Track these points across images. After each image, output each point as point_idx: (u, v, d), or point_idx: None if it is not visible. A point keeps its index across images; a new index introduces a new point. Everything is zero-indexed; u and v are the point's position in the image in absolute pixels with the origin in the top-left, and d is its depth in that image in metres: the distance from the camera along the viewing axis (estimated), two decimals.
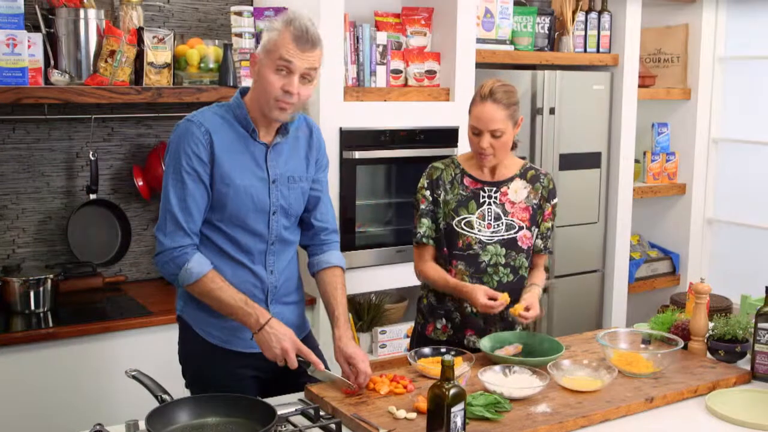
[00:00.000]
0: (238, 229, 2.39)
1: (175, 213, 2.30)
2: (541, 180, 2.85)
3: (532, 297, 2.72)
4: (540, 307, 2.73)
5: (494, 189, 2.81)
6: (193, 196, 2.31)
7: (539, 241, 2.85)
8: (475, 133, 2.71)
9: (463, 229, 2.77)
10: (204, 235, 2.38)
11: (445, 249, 2.80)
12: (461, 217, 2.78)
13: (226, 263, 2.40)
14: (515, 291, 2.79)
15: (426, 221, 2.80)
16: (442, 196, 2.79)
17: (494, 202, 2.80)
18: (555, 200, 2.88)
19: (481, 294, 2.64)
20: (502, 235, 2.77)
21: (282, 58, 2.27)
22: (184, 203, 2.31)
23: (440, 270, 2.79)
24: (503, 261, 2.77)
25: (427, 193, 2.81)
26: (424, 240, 2.80)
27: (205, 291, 2.33)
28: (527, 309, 2.66)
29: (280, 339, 2.29)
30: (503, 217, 2.79)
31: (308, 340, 2.59)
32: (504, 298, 2.65)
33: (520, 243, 2.79)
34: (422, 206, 2.81)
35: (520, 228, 2.79)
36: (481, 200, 2.79)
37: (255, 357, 2.42)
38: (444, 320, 2.83)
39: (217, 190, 2.34)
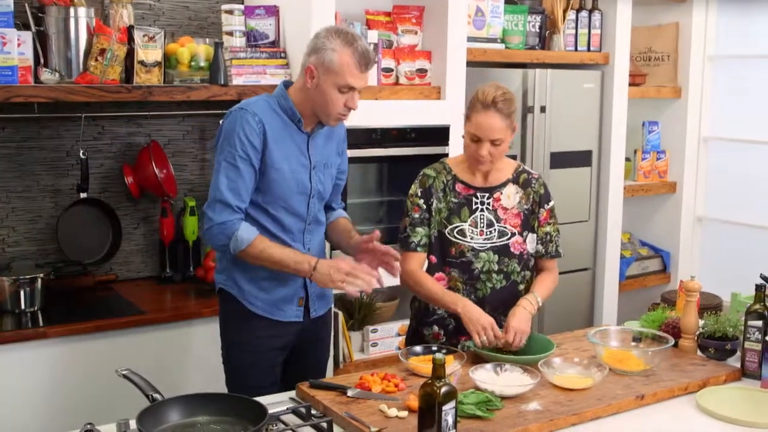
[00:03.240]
0: (282, 210, 2.60)
1: (224, 193, 2.50)
2: (533, 185, 2.82)
3: (512, 319, 2.64)
4: (523, 322, 2.64)
5: (487, 195, 2.78)
6: (244, 179, 2.51)
7: (540, 246, 2.82)
8: (474, 140, 2.68)
9: (455, 237, 2.75)
10: (251, 216, 2.57)
11: (434, 257, 2.78)
12: (453, 225, 2.75)
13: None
14: (508, 296, 2.78)
15: (421, 230, 2.76)
16: (434, 205, 2.77)
17: (487, 208, 2.77)
18: (550, 204, 2.84)
19: (488, 326, 2.60)
20: (495, 242, 2.75)
21: (347, 85, 2.51)
22: (234, 184, 2.50)
23: (437, 284, 2.75)
24: (496, 267, 2.75)
25: (421, 201, 2.77)
26: (419, 249, 2.76)
27: (256, 253, 2.51)
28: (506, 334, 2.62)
29: (336, 266, 2.49)
30: (496, 224, 2.77)
31: (327, 317, 2.87)
32: (500, 341, 2.61)
33: (512, 249, 2.76)
34: (415, 215, 2.77)
35: (513, 234, 2.77)
36: (474, 207, 2.77)
37: (293, 325, 2.69)
38: (436, 327, 2.81)
39: (266, 174, 2.54)
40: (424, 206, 2.77)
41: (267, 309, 2.64)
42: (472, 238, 2.75)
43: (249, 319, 2.64)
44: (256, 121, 2.51)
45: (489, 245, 2.75)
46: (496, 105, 2.64)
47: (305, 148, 2.62)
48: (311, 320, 2.74)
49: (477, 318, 2.61)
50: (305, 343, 2.76)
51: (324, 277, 2.49)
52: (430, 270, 2.81)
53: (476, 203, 2.77)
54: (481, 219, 2.76)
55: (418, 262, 2.78)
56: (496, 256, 2.75)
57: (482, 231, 2.76)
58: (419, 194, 2.78)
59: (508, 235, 2.76)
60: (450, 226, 2.76)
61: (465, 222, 2.75)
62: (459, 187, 2.78)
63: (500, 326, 2.68)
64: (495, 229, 2.76)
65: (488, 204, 2.77)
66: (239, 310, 2.65)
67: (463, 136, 2.76)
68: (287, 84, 2.65)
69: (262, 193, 2.57)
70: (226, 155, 2.51)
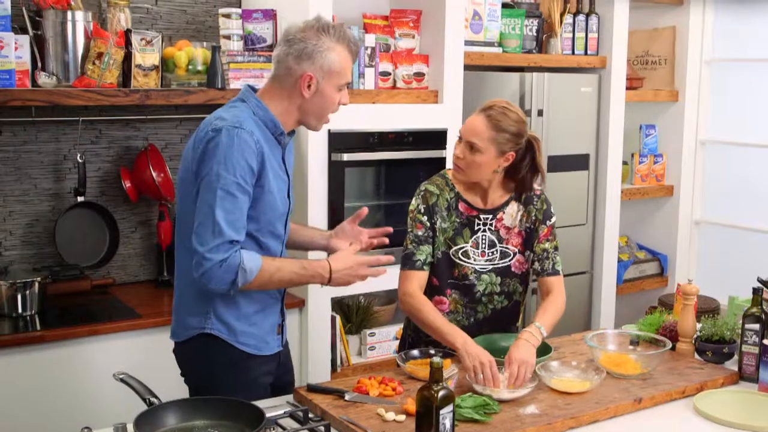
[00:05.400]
0: (269, 234, 2.37)
1: (223, 228, 2.20)
2: (534, 202, 2.71)
3: (514, 350, 2.42)
4: (525, 353, 2.41)
5: (490, 217, 2.68)
6: (241, 209, 2.24)
7: (536, 264, 2.71)
8: (458, 140, 2.64)
9: (460, 259, 2.66)
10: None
11: (436, 280, 2.68)
12: (458, 246, 2.66)
13: None
14: (509, 315, 2.76)
15: (426, 248, 2.63)
16: (439, 224, 2.65)
17: (489, 229, 2.68)
18: (552, 220, 2.73)
19: (487, 363, 2.37)
20: (497, 264, 2.69)
21: (347, 82, 2.37)
22: (232, 216, 2.21)
23: (438, 313, 2.58)
24: (498, 289, 2.70)
25: (425, 218, 2.64)
26: (425, 267, 2.64)
27: (265, 281, 2.30)
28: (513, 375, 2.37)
29: (348, 270, 2.38)
30: (498, 245, 2.69)
31: (286, 350, 2.65)
32: (497, 383, 2.34)
33: (513, 269, 2.71)
34: (419, 232, 2.64)
35: (514, 254, 2.70)
36: (476, 228, 2.67)
37: (275, 357, 2.49)
38: (432, 348, 2.65)
39: (260, 200, 2.29)
40: (428, 224, 2.65)
41: (257, 345, 2.42)
42: (475, 260, 2.68)
43: (243, 363, 2.39)
44: (254, 141, 2.23)
45: (491, 266, 2.69)
46: (488, 110, 2.57)
47: (282, 162, 2.39)
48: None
49: (476, 354, 2.39)
50: (280, 374, 2.57)
51: (342, 282, 2.40)
52: (430, 292, 2.70)
53: (478, 224, 2.67)
54: (482, 240, 2.68)
55: (420, 282, 2.64)
56: (499, 278, 2.70)
57: (483, 252, 2.68)
58: (422, 211, 2.65)
59: (510, 256, 2.70)
60: (455, 247, 2.67)
61: (467, 243, 2.67)
62: (462, 206, 2.67)
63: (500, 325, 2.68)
64: (497, 250, 2.69)
65: (491, 225, 2.68)
66: (230, 355, 2.38)
67: None
68: (253, 88, 2.39)
69: (254, 220, 2.30)
70: (223, 183, 2.19)
